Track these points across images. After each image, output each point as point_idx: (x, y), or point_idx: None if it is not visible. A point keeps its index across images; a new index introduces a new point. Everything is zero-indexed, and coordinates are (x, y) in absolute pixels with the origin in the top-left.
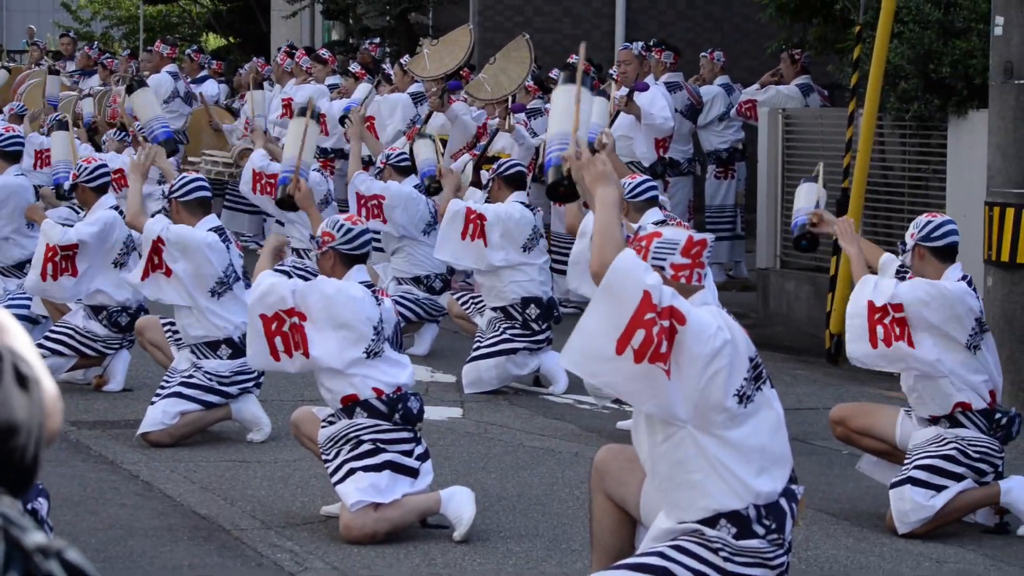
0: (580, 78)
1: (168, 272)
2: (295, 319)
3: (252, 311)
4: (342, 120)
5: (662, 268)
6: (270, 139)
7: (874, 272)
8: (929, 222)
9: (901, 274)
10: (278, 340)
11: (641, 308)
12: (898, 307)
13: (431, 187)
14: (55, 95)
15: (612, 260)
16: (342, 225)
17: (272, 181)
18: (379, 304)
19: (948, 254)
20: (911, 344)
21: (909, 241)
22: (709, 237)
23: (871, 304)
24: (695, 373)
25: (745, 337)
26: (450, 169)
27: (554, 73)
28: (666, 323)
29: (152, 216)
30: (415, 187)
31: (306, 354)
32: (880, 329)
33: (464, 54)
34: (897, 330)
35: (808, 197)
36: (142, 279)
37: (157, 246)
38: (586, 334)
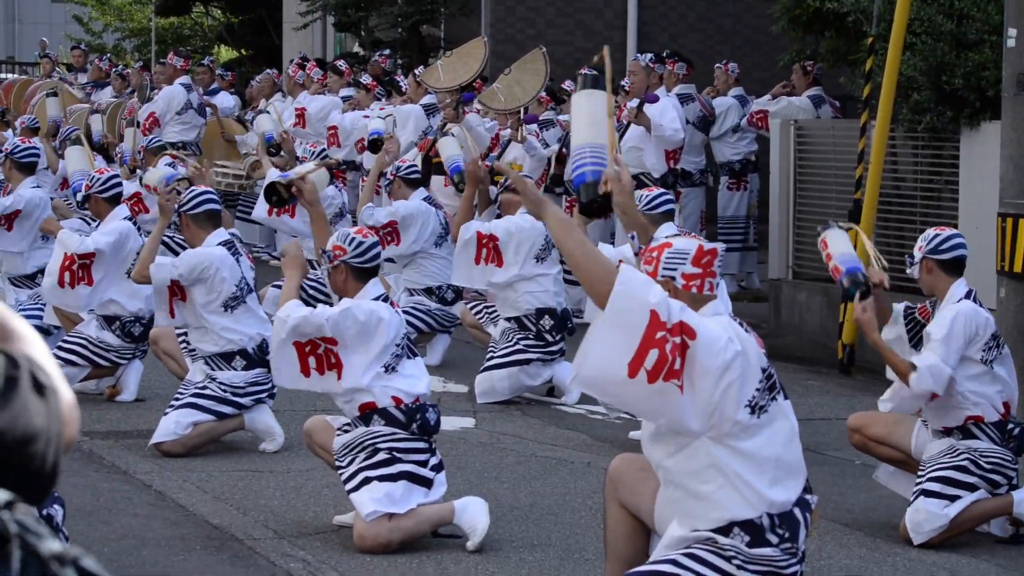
0: (609, 86)
1: (184, 297)
2: (328, 344)
3: (285, 340)
4: (372, 146)
5: (673, 278)
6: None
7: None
8: (937, 235)
9: (910, 312)
10: (312, 360)
11: (651, 328)
12: (952, 380)
13: (460, 184)
14: (56, 115)
15: (611, 282)
16: (353, 238)
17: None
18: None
19: (956, 267)
20: None
21: (917, 254)
22: (720, 246)
23: (933, 395)
24: (708, 386)
25: (757, 347)
26: (478, 163)
27: (567, 84)
28: (678, 339)
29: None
30: (424, 199)
31: (339, 376)
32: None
33: (478, 66)
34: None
35: (846, 243)
36: (172, 317)
37: (173, 288)
38: (596, 358)
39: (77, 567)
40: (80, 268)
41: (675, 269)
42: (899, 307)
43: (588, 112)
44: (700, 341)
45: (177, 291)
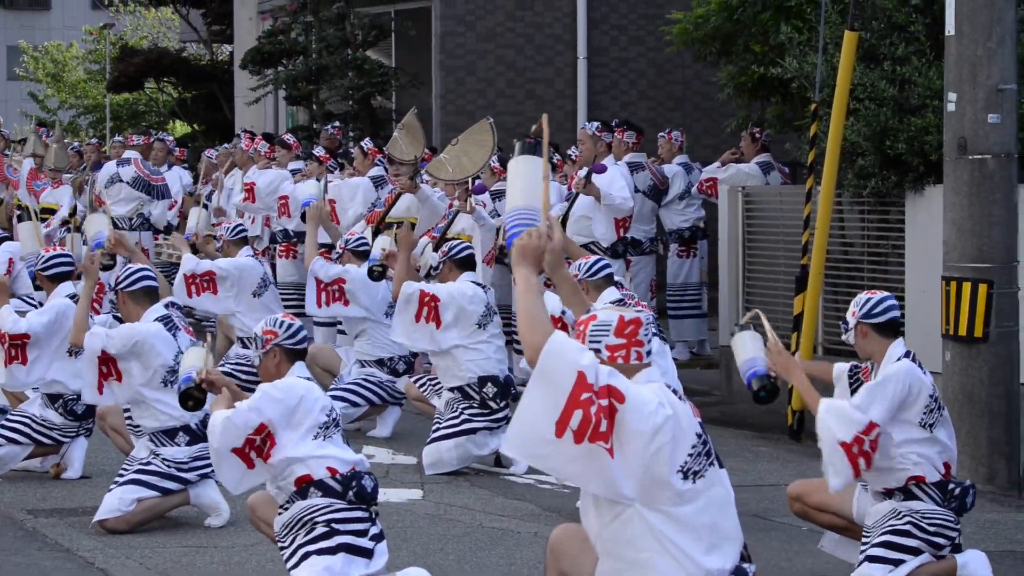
0: (546, 151)
1: (119, 377)
2: (262, 435)
3: (221, 450)
4: (304, 217)
5: (598, 351)
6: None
7: (828, 384)
8: (869, 299)
9: (854, 372)
10: (252, 453)
11: (576, 389)
12: (869, 428)
13: (375, 271)
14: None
15: (543, 344)
16: (283, 322)
17: (205, 282)
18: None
19: (891, 330)
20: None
21: (851, 320)
22: (644, 316)
23: (843, 444)
24: (638, 450)
25: (690, 414)
26: (408, 228)
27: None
28: (604, 402)
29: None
30: None
31: (274, 452)
32: (862, 460)
33: (487, 155)
34: (871, 448)
35: (755, 345)
36: (99, 394)
37: (104, 359)
38: (524, 419)
39: None
40: (13, 347)
41: (599, 341)
42: (843, 367)
43: (523, 176)
44: (629, 404)
45: (112, 371)
